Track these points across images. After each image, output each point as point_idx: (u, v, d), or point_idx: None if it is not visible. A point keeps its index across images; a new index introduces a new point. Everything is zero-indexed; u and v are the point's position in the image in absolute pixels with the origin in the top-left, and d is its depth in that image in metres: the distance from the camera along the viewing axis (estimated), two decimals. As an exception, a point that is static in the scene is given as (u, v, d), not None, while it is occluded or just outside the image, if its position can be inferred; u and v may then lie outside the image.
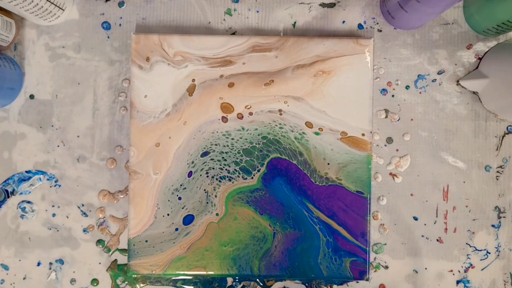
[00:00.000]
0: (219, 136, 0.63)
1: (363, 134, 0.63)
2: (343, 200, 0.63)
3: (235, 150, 0.63)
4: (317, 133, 0.63)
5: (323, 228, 0.63)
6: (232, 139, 0.63)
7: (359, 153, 0.63)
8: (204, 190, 0.63)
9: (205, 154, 0.63)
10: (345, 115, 0.63)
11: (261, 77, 0.63)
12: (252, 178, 0.63)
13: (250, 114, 0.63)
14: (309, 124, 0.63)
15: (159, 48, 0.63)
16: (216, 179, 0.63)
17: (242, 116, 0.63)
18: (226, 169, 0.63)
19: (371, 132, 0.63)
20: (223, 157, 0.63)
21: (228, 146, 0.63)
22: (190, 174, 0.63)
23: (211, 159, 0.63)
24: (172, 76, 0.63)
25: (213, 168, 0.63)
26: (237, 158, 0.63)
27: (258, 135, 0.63)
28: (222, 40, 0.63)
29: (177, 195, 0.63)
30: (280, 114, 0.63)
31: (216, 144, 0.63)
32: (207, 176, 0.63)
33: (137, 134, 0.63)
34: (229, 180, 0.63)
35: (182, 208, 0.63)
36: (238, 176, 0.63)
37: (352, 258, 0.63)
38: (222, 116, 0.63)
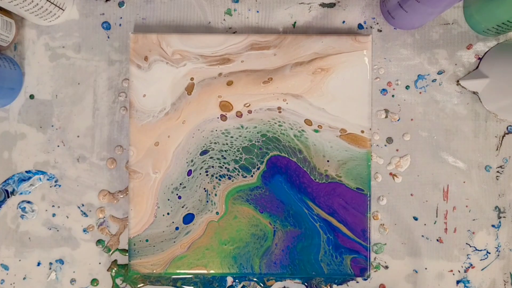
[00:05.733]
0: (218, 134, 0.63)
1: (362, 131, 0.63)
2: (343, 197, 0.63)
3: (235, 148, 0.63)
4: (316, 131, 0.63)
5: (323, 226, 0.63)
6: (231, 137, 0.63)
7: (358, 150, 0.63)
8: (204, 188, 0.63)
9: (204, 152, 0.63)
10: (344, 112, 0.63)
11: (260, 75, 0.63)
12: (251, 176, 0.63)
13: (249, 112, 0.63)
14: (308, 122, 0.63)
15: (158, 47, 0.63)
16: (216, 177, 0.63)
17: (241, 114, 0.63)
18: (225, 167, 0.63)
19: (370, 129, 0.63)
20: (222, 156, 0.63)
21: (227, 144, 0.63)
22: (189, 172, 0.63)
23: (211, 158, 0.63)
24: (170, 75, 0.63)
25: (213, 167, 0.63)
26: (236, 156, 0.63)
27: (257, 133, 0.63)
28: (220, 38, 0.63)
29: (177, 194, 0.63)
30: (279, 112, 0.63)
31: (215, 143, 0.63)
32: (207, 175, 0.63)
33: (136, 133, 0.63)
34: (229, 178, 0.63)
35: (182, 207, 0.63)
36: (238, 175, 0.63)
37: (353, 255, 0.63)
38: (221, 115, 0.63)
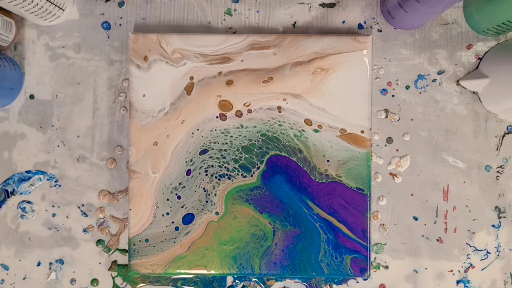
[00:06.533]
0: (218, 134, 0.63)
1: (362, 131, 0.63)
2: (343, 197, 0.63)
3: (234, 147, 0.63)
4: (316, 131, 0.63)
5: (323, 226, 0.63)
6: (231, 136, 0.63)
7: (358, 150, 0.63)
8: (204, 188, 0.63)
9: (203, 152, 0.63)
10: (344, 112, 0.63)
11: (260, 74, 0.63)
12: (251, 176, 0.63)
13: (249, 111, 0.63)
14: (308, 122, 0.63)
15: (157, 46, 0.63)
16: (216, 177, 0.63)
17: (241, 114, 0.63)
18: (225, 167, 0.63)
19: (370, 129, 0.63)
20: (222, 155, 0.63)
21: (227, 143, 0.63)
22: (188, 172, 0.63)
23: (210, 157, 0.63)
24: (170, 74, 0.63)
25: (212, 166, 0.63)
26: (236, 156, 0.63)
27: (257, 132, 0.63)
28: (220, 38, 0.63)
29: (176, 194, 0.63)
30: (279, 112, 0.63)
31: (214, 142, 0.63)
32: (206, 174, 0.63)
33: (136, 133, 0.63)
34: (229, 178, 0.63)
35: (182, 207, 0.63)
36: (238, 174, 0.63)
37: (353, 255, 0.63)
38: (221, 114, 0.63)
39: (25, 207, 0.67)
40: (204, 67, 0.63)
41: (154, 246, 0.63)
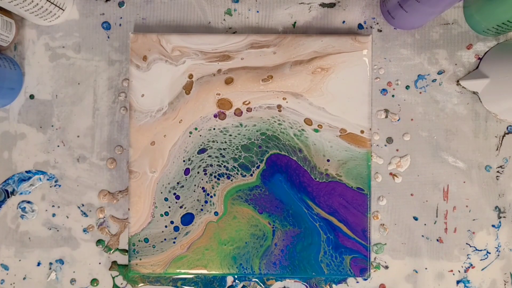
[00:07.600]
0: (217, 133, 0.63)
1: (362, 131, 0.63)
2: (343, 196, 0.63)
3: (233, 146, 0.63)
4: (316, 130, 0.63)
5: (323, 225, 0.63)
6: (230, 135, 0.63)
7: (358, 150, 0.63)
8: (202, 188, 0.63)
9: (202, 151, 0.63)
10: (344, 112, 0.63)
11: (259, 73, 0.63)
12: (251, 175, 0.63)
13: (249, 110, 0.63)
14: (308, 121, 0.63)
15: (157, 45, 0.63)
16: (215, 176, 0.63)
17: (241, 113, 0.63)
18: (224, 166, 0.63)
19: (370, 129, 0.63)
20: (221, 154, 0.63)
21: (226, 142, 0.63)
22: (187, 171, 0.63)
23: (209, 156, 0.63)
24: (169, 73, 0.63)
25: (211, 165, 0.63)
26: (235, 155, 0.63)
27: (257, 131, 0.63)
28: (220, 38, 0.63)
29: (175, 194, 0.63)
30: (279, 110, 0.63)
31: (213, 141, 0.63)
32: (205, 174, 0.63)
33: (135, 133, 0.63)
34: (228, 177, 0.63)
35: (181, 207, 0.63)
36: (237, 174, 0.63)
37: (353, 255, 0.63)
38: (220, 112, 0.63)
39: (25, 207, 0.67)
40: (203, 64, 0.63)
41: (154, 246, 0.63)
